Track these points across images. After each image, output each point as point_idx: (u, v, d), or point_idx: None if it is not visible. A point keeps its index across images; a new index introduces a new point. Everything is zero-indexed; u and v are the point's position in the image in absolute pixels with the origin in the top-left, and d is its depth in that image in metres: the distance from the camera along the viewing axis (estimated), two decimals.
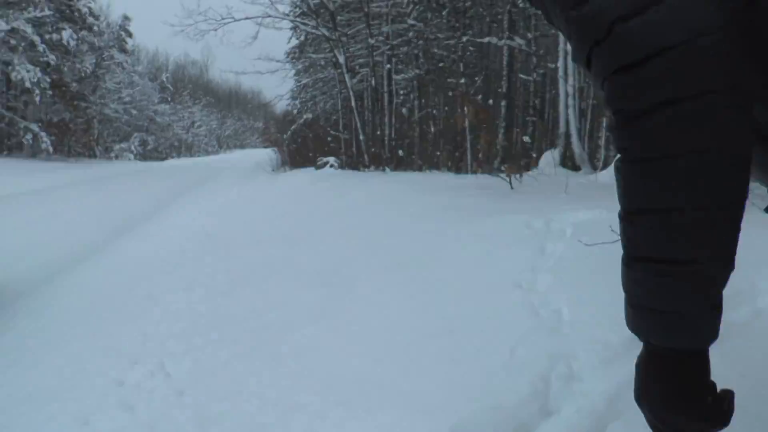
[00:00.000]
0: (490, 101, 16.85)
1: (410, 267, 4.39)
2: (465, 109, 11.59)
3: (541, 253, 3.89)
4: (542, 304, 3.15)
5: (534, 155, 12.20)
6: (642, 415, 1.58)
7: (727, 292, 2.48)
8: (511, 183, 7.12)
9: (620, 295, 2.69)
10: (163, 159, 47.79)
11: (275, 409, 3.11)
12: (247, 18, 18.50)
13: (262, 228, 7.76)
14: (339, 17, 19.97)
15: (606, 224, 4.22)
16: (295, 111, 31.61)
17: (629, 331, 2.43)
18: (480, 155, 12.38)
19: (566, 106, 11.69)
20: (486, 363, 2.79)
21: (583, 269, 3.44)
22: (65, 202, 12.56)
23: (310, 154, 19.66)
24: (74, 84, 33.22)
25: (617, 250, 3.00)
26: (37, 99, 29.14)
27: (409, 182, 9.31)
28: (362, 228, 6.16)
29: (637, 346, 2.46)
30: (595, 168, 11.54)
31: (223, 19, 18.45)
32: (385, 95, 19.92)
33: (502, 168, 12.00)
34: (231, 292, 5.24)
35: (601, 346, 2.52)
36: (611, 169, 7.66)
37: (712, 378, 0.89)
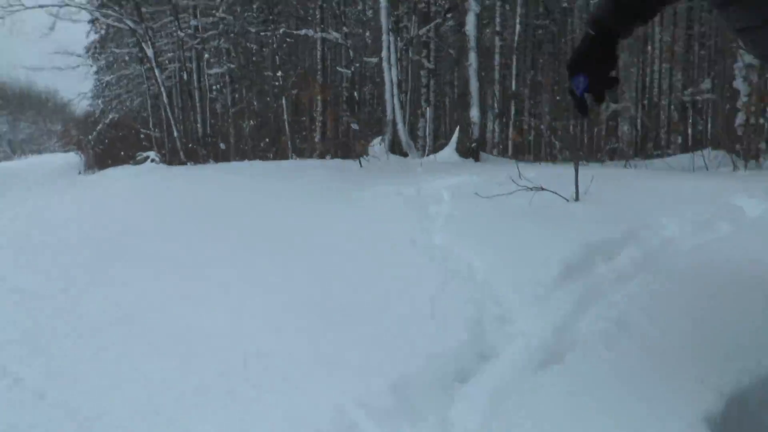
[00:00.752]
0: None
1: (293, 245, 4.15)
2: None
3: (426, 215, 3.83)
4: (447, 257, 3.08)
5: (363, 142, 12.29)
6: (602, 342, 1.67)
7: (636, 225, 2.53)
8: (360, 162, 7.07)
9: (534, 241, 2.71)
10: None
11: (170, 394, 2.77)
12: (40, 6, 16.91)
13: (94, 225, 7.06)
14: (144, 9, 18.92)
15: (477, 186, 4.29)
16: (97, 111, 29.55)
17: (558, 268, 2.65)
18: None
19: (392, 95, 11.88)
20: (408, 317, 2.66)
21: (477, 224, 3.42)
22: None
23: (122, 153, 18.41)
24: None
25: (510, 203, 2.97)
26: None
27: (249, 170, 8.91)
28: (227, 214, 5.77)
29: (571, 281, 2.41)
30: (421, 155, 11.84)
31: (10, 5, 16.69)
32: (197, 91, 19.24)
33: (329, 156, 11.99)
34: (73, 288, 4.67)
35: (532, 285, 2.48)
36: (448, 150, 7.89)
37: None
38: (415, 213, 3.89)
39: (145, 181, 10.09)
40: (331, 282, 3.20)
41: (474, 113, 9.32)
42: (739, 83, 8.77)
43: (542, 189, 3.50)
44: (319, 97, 13.90)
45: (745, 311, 1.97)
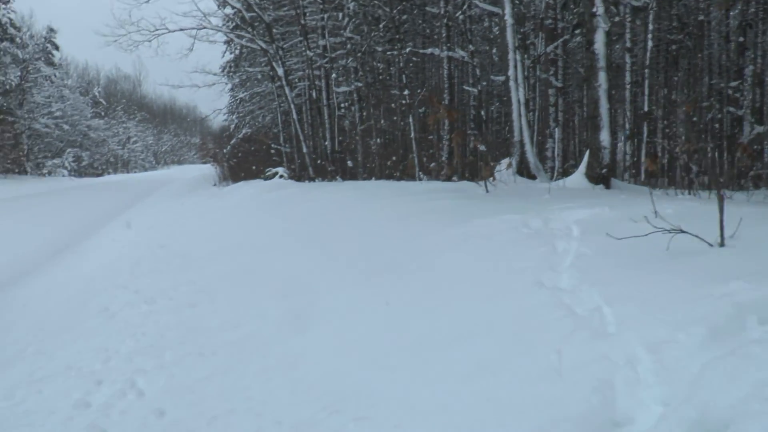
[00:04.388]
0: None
1: (405, 270, 4.05)
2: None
3: (554, 251, 3.61)
4: (576, 302, 2.86)
5: (492, 164, 12.05)
6: None
7: None
8: (486, 187, 6.88)
9: (673, 294, 2.33)
10: (99, 175, 46.47)
11: (279, 427, 2.75)
12: (181, 30, 17.92)
13: (222, 238, 7.30)
14: (275, 30, 19.63)
15: (609, 222, 4.02)
16: (232, 126, 30.99)
17: (702, 331, 2.15)
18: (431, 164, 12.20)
19: (519, 115, 11.58)
20: (529, 370, 2.49)
21: (609, 268, 3.16)
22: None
23: (254, 167, 19.12)
24: None
25: (645, 245, 2.66)
26: None
27: (373, 188, 8.94)
28: (342, 233, 5.79)
29: (719, 346, 2.10)
30: (550, 178, 11.44)
31: (156, 30, 17.80)
32: (326, 108, 19.72)
33: (455, 177, 11.88)
34: (198, 304, 4.81)
35: (671, 348, 2.24)
36: (577, 175, 7.49)
37: None
38: (542, 249, 3.68)
39: (278, 197, 10.36)
40: (441, 323, 3.10)
41: (604, 137, 8.86)
42: None
43: (681, 231, 3.18)
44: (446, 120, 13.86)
45: None
